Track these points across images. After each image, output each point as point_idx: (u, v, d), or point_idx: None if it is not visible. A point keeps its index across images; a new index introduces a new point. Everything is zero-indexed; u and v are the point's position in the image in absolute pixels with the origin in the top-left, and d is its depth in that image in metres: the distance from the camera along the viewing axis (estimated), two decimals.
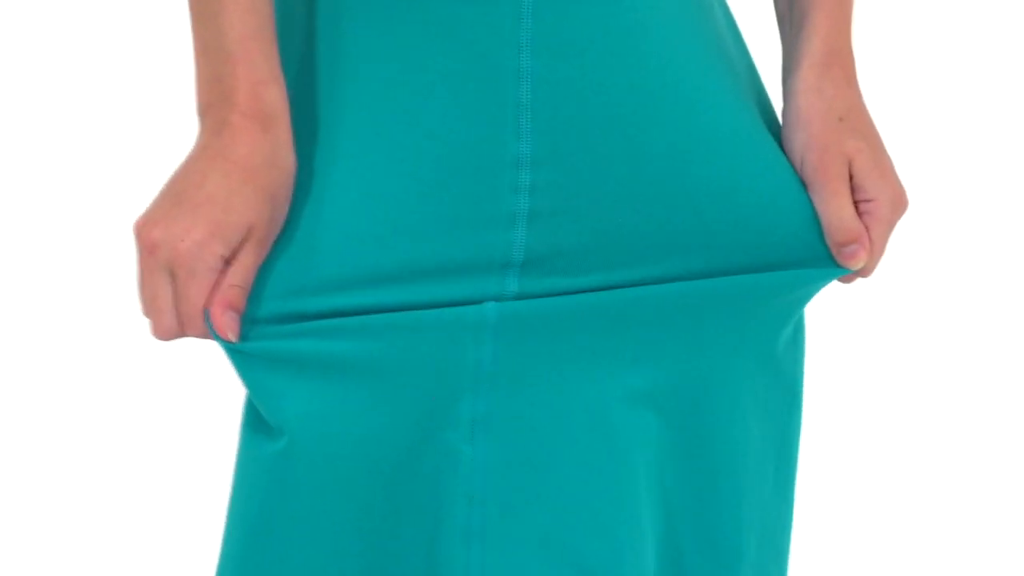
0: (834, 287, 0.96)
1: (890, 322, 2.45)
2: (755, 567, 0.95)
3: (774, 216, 0.89)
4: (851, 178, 0.90)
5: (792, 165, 0.91)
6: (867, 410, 2.32)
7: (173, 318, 0.81)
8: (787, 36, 0.95)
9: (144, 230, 0.79)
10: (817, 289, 0.93)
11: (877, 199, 0.90)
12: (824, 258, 0.91)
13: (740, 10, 0.99)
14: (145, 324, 0.83)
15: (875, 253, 0.91)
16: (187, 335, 0.82)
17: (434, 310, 0.83)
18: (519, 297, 0.84)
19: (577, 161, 0.84)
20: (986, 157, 2.55)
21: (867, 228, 0.90)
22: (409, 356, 0.82)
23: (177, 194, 0.80)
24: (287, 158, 0.82)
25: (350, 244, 0.83)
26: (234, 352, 0.82)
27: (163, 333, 0.81)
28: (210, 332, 0.81)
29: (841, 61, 0.91)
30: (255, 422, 0.85)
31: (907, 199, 0.92)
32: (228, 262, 0.80)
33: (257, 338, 0.82)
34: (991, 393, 2.37)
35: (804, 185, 0.90)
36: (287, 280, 0.83)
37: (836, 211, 0.89)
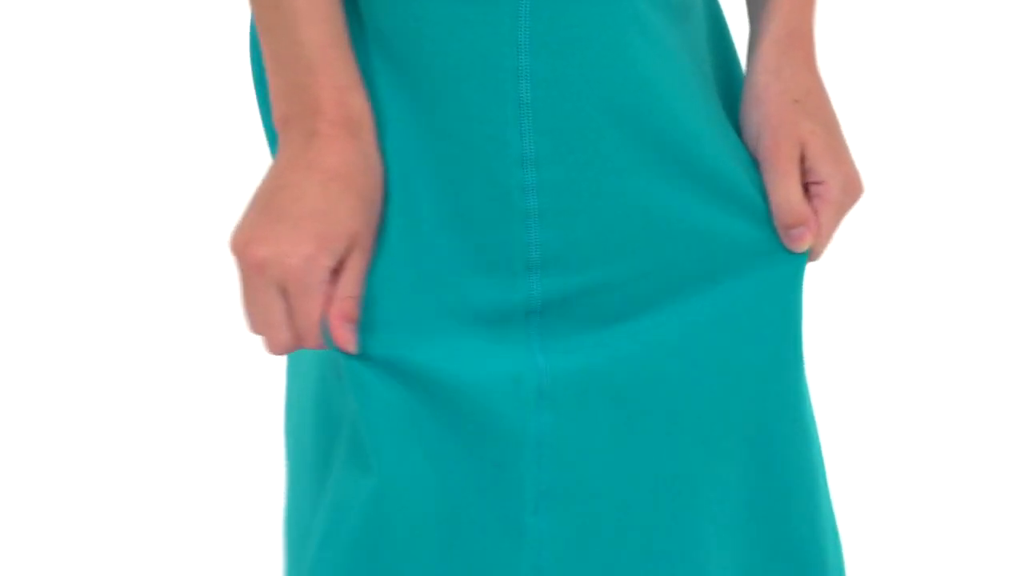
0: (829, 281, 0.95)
1: (881, 318, 2.48)
2: (836, 570, 0.96)
3: (746, 208, 0.88)
4: (803, 160, 0.90)
5: (747, 144, 0.91)
6: (866, 409, 2.34)
7: (288, 333, 0.80)
8: (752, 17, 0.95)
9: (248, 249, 0.78)
10: (787, 280, 0.92)
11: (827, 182, 0.89)
12: (778, 246, 0.90)
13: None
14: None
15: (823, 236, 0.90)
16: (304, 348, 0.82)
17: (485, 374, 0.83)
18: (545, 302, 0.84)
19: (580, 158, 0.84)
20: (962, 146, 2.59)
21: (816, 211, 0.89)
22: (473, 420, 0.83)
23: (276, 209, 0.79)
24: (378, 162, 0.82)
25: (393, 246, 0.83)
26: (350, 366, 0.82)
27: (279, 348, 0.81)
28: (327, 342, 0.80)
29: (801, 42, 0.91)
30: (355, 456, 0.85)
31: (861, 184, 0.91)
32: (337, 273, 0.80)
33: (375, 347, 0.82)
34: (987, 389, 2.39)
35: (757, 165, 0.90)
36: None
37: (784, 192, 0.88)
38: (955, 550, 2.00)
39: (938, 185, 2.57)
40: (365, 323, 0.82)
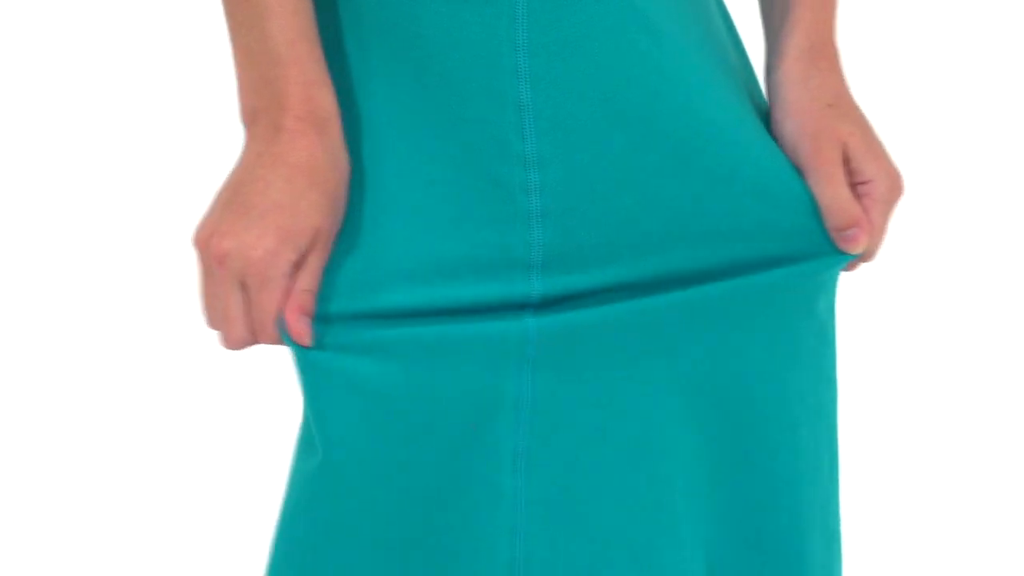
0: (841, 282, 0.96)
1: (887, 318, 2.47)
2: (824, 568, 0.95)
3: (775, 203, 0.88)
4: (846, 162, 0.90)
5: (786, 152, 0.90)
6: (871, 408, 2.33)
7: (245, 328, 0.80)
8: (770, 31, 0.95)
9: (212, 241, 0.78)
10: (826, 279, 0.93)
11: (873, 180, 0.90)
12: (826, 245, 0.90)
13: (734, 6, 0.99)
14: (203, 334, 0.82)
15: (876, 235, 0.91)
16: (259, 343, 0.81)
17: (470, 333, 0.82)
18: (544, 300, 0.84)
19: (583, 158, 0.83)
20: (977, 151, 2.58)
21: (866, 210, 0.90)
22: (451, 384, 0.82)
23: (240, 204, 0.79)
24: (343, 159, 0.82)
25: (391, 242, 0.83)
26: (304, 357, 0.81)
27: (235, 343, 0.81)
28: (283, 339, 0.80)
29: (825, 52, 0.91)
30: (307, 442, 0.85)
31: (903, 180, 0.92)
32: (296, 267, 0.80)
33: (331, 341, 0.82)
34: (992, 391, 2.39)
35: (799, 173, 0.90)
36: (350, 279, 0.83)
37: (833, 195, 0.88)
38: (957, 550, 2.00)
39: (942, 187, 2.56)
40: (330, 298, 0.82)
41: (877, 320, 2.46)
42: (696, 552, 0.90)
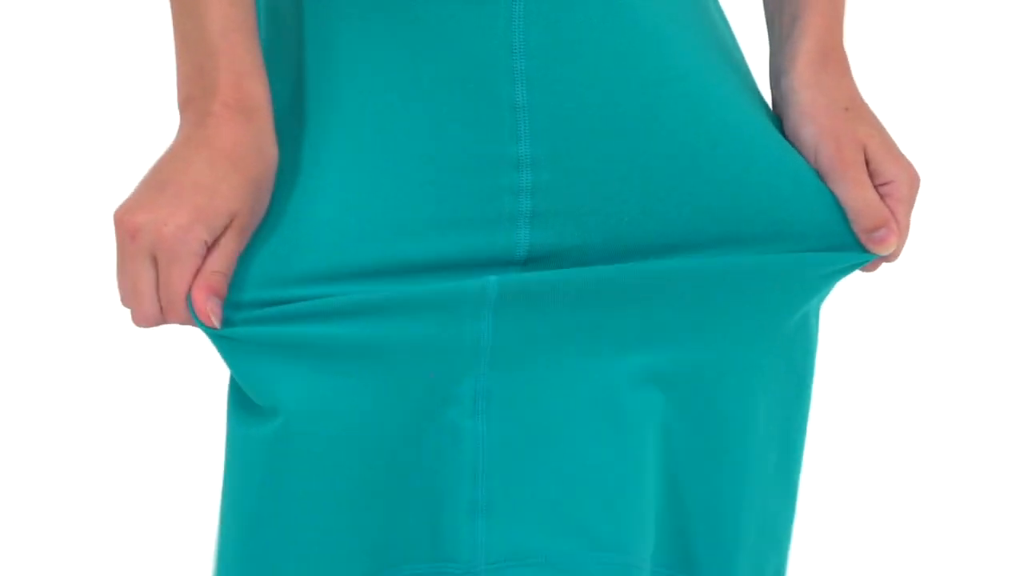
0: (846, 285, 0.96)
1: (888, 319, 2.46)
2: (753, 553, 0.95)
3: (792, 206, 0.89)
4: (867, 164, 0.90)
5: (806, 157, 0.91)
6: (866, 409, 2.32)
7: (155, 304, 0.81)
8: (777, 37, 0.95)
9: (127, 216, 0.79)
10: (838, 276, 0.92)
11: (896, 180, 0.90)
12: (848, 245, 0.90)
13: (732, 10, 1.00)
14: (124, 313, 0.83)
15: (902, 235, 0.91)
16: (168, 322, 0.82)
17: (432, 287, 0.83)
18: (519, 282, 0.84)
19: (579, 161, 0.84)
20: (980, 154, 2.56)
21: (891, 211, 0.90)
22: (407, 334, 0.83)
23: (160, 181, 0.80)
24: (270, 148, 0.83)
25: (338, 238, 0.83)
26: (218, 338, 0.82)
27: (144, 320, 0.81)
28: (193, 318, 0.81)
29: (836, 56, 0.92)
30: (245, 405, 0.85)
31: (919, 175, 0.92)
32: (210, 249, 0.80)
33: (242, 323, 0.82)
34: (990, 391, 2.37)
35: (819, 176, 0.90)
36: (270, 269, 0.83)
37: (861, 197, 0.89)
38: (954, 550, 1.98)
39: (941, 185, 2.54)
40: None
41: (875, 319, 2.44)
42: (653, 508, 0.91)
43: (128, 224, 0.79)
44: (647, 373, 0.88)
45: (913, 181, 0.91)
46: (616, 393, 0.87)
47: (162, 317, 0.81)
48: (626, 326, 0.87)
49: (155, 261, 0.80)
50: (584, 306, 0.86)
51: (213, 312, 0.80)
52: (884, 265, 0.94)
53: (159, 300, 0.81)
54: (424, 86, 0.84)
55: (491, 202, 0.84)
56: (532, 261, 0.85)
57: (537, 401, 0.87)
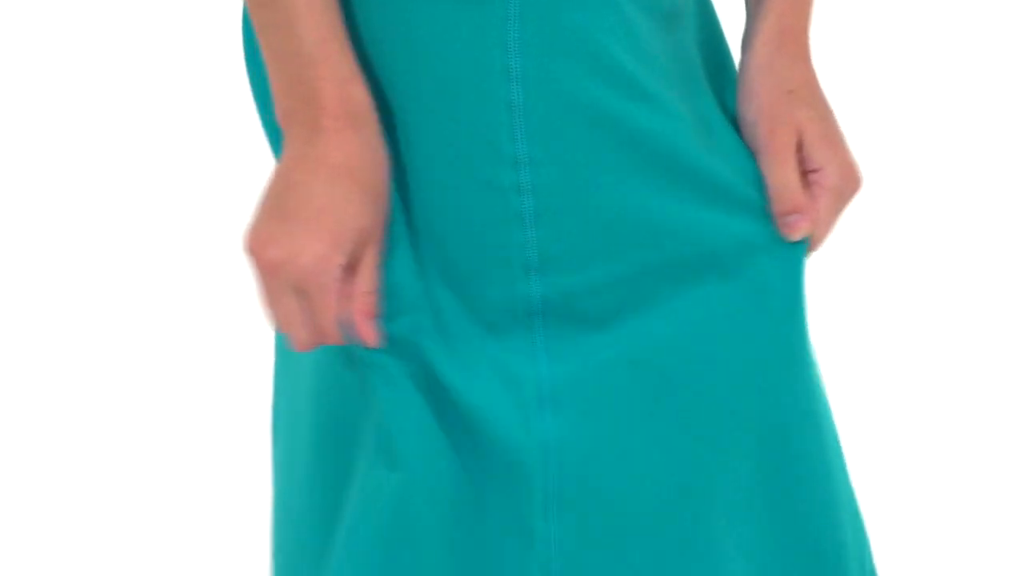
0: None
1: (888, 318, 2.48)
2: (856, 559, 0.95)
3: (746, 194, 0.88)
4: (800, 149, 0.89)
5: (744, 138, 0.90)
6: (867, 409, 2.34)
7: (309, 331, 0.82)
8: (749, 14, 0.95)
9: (262, 251, 0.80)
10: (786, 273, 0.91)
11: (824, 168, 0.89)
12: (777, 240, 0.89)
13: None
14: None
15: (822, 224, 0.90)
16: (328, 343, 0.83)
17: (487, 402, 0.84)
18: (545, 303, 0.85)
19: (575, 159, 0.84)
20: (958, 141, 2.59)
21: (813, 198, 0.89)
22: (482, 424, 0.84)
23: (285, 209, 0.79)
24: (382, 152, 0.82)
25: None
26: (376, 356, 0.83)
27: (303, 346, 0.83)
28: (349, 339, 0.82)
29: (794, 38, 0.91)
30: (384, 445, 0.86)
31: (859, 173, 0.91)
32: (352, 268, 0.81)
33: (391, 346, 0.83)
34: (988, 383, 2.39)
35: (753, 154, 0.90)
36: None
37: (780, 178, 0.88)
38: (957, 548, 2.00)
39: (934, 180, 2.57)
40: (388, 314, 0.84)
41: (875, 319, 2.47)
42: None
43: (265, 260, 0.80)
44: (711, 435, 0.87)
45: (845, 171, 0.89)
46: (683, 474, 0.87)
47: (319, 340, 0.82)
48: (672, 392, 0.87)
49: (300, 292, 0.80)
50: (636, 384, 0.86)
51: (372, 335, 0.82)
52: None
53: (313, 327, 0.82)
54: (422, 87, 0.83)
55: (498, 203, 0.84)
56: (545, 263, 0.84)
57: (606, 498, 0.86)
